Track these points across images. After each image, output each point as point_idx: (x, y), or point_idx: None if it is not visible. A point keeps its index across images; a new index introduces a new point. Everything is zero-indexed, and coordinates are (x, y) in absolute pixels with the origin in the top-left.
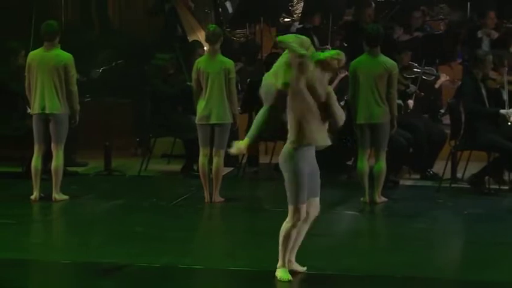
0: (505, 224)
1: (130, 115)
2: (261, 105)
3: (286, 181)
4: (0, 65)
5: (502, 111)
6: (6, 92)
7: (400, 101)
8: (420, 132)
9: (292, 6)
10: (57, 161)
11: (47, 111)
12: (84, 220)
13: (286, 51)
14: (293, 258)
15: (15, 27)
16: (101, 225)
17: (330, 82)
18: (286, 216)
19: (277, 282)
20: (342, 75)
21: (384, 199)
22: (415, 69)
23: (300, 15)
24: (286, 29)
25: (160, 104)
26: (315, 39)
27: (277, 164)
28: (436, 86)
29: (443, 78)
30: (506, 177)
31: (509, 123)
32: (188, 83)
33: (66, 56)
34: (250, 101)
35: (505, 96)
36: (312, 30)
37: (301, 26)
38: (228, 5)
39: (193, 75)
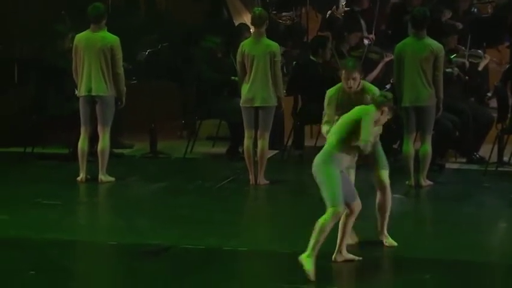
0: None
1: (176, 98)
2: (307, 88)
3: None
4: (49, 48)
5: None
6: (54, 73)
7: (450, 69)
8: (466, 116)
9: None
10: (104, 142)
11: (93, 93)
12: (129, 202)
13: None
14: (344, 248)
15: (61, 10)
16: (146, 207)
17: (372, 66)
18: None
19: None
20: (387, 58)
21: (429, 182)
22: (462, 52)
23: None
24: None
25: (206, 87)
26: (362, 22)
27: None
28: (480, 68)
29: (486, 60)
30: None
31: None
32: (233, 78)
33: (113, 39)
34: (296, 84)
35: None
36: (360, 13)
37: (348, 8)
38: None
39: (238, 58)
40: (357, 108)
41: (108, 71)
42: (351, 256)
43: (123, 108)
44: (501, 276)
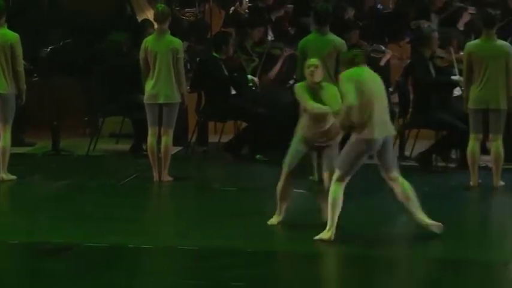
0: (451, 201)
1: (79, 95)
2: (210, 85)
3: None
4: None
5: (453, 77)
6: None
7: None
8: None
9: None
10: (4, 141)
11: None
12: (32, 200)
13: None
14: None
15: None
16: (48, 206)
17: (275, 62)
18: (234, 196)
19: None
20: (287, 53)
21: None
22: (364, 47)
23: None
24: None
25: (109, 83)
26: (267, 18)
27: (225, 143)
28: (382, 63)
29: (389, 55)
30: (453, 155)
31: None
32: None
33: (12, 36)
34: (199, 80)
35: (457, 75)
36: (266, 9)
37: (252, 4)
38: None
39: (141, 54)
40: None
41: (8, 69)
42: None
43: (26, 105)
44: (404, 269)
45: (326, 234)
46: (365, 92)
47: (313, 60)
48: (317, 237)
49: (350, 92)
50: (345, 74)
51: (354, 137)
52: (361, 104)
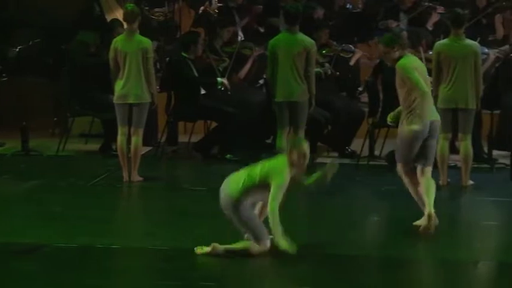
0: None
1: (48, 94)
2: (179, 85)
3: None
4: None
5: None
6: None
7: (319, 69)
8: (338, 111)
9: None
10: None
11: None
12: (0, 200)
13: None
14: None
15: None
16: (18, 206)
17: (245, 62)
18: (204, 196)
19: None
20: (256, 53)
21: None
22: (334, 47)
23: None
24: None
25: (79, 83)
26: (237, 18)
27: (195, 143)
28: (351, 62)
29: (358, 54)
30: None
31: None
32: None
33: None
34: (169, 80)
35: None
36: (235, 9)
37: (222, 4)
38: None
39: (111, 54)
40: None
41: None
42: None
43: None
44: (372, 268)
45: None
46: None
47: None
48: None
49: (419, 79)
50: (406, 63)
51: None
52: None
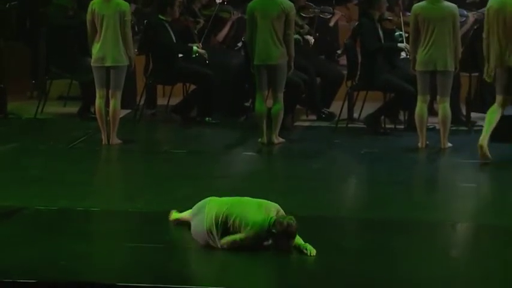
0: (400, 162)
1: (26, 57)
2: (156, 47)
3: None
4: None
5: (400, 44)
6: None
7: (298, 36)
8: (312, 73)
9: None
10: None
11: None
12: None
13: None
14: None
15: None
16: None
17: (224, 25)
18: (183, 158)
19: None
20: (235, 17)
21: (281, 140)
22: (312, 9)
23: None
24: None
25: (57, 46)
26: None
27: (174, 106)
28: (331, 24)
29: (338, 15)
30: (401, 117)
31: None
32: None
33: None
34: (147, 43)
35: (403, 43)
36: None
37: None
38: None
39: (88, 17)
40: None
41: None
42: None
43: None
44: (350, 230)
45: None
46: None
47: None
48: None
49: None
50: None
51: None
52: None
